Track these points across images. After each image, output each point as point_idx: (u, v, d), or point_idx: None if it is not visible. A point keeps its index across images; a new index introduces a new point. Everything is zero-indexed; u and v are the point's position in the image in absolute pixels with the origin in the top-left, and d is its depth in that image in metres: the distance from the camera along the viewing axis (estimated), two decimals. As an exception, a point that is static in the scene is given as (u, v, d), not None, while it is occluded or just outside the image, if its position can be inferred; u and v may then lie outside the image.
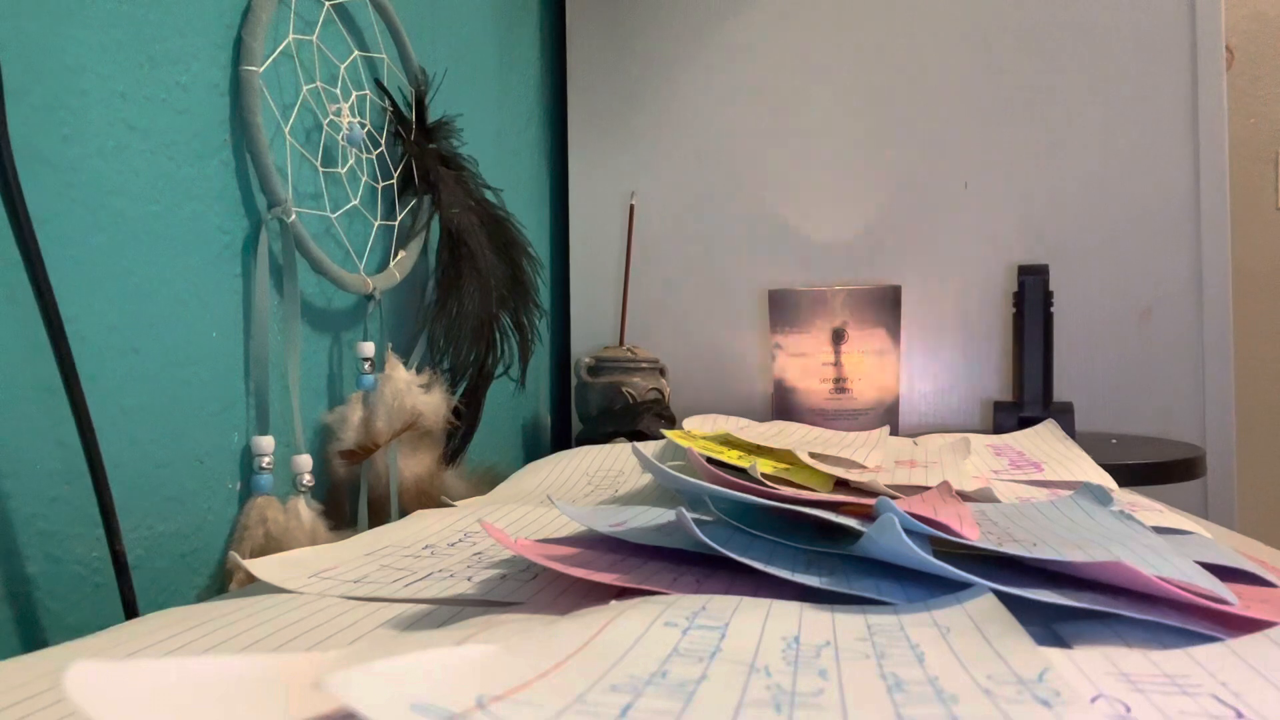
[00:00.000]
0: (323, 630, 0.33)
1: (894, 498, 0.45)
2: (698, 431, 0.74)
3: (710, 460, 0.60)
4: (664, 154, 1.16)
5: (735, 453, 0.63)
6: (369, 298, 0.70)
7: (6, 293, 0.42)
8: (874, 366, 1.02)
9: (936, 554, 0.36)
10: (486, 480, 0.77)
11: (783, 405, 1.04)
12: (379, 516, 0.69)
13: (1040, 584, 0.33)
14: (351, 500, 0.69)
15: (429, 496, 0.72)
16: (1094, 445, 0.88)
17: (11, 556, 0.43)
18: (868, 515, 0.42)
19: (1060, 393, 1.03)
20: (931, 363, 1.08)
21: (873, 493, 0.54)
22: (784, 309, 1.04)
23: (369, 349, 0.69)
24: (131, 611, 0.46)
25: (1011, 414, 1.01)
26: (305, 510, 0.59)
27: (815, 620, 0.30)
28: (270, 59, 0.60)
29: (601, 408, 1.02)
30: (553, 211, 1.21)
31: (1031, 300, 1.01)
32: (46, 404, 0.44)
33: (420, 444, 0.72)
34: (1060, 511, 0.46)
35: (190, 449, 0.54)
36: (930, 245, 1.08)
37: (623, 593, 0.35)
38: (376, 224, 0.73)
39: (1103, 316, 1.04)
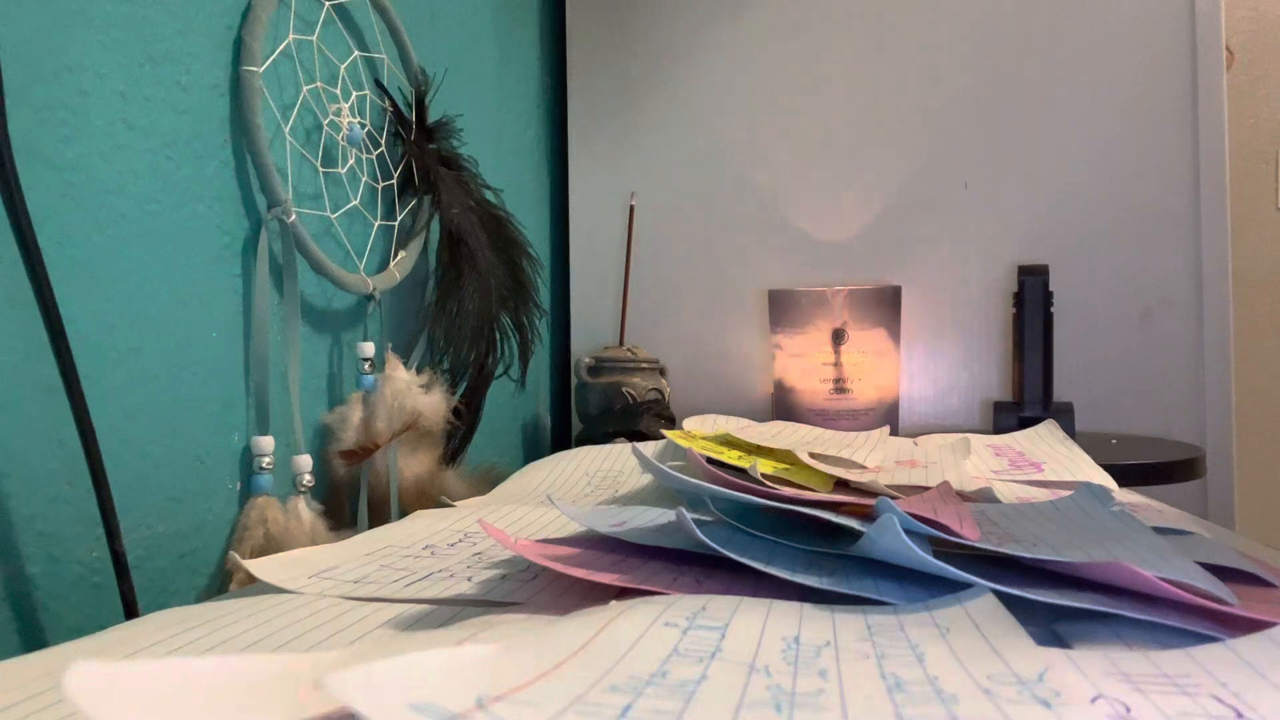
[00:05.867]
0: (323, 630, 0.33)
1: (894, 498, 0.45)
2: (698, 431, 0.74)
3: (710, 460, 0.60)
4: (664, 154, 1.16)
5: (735, 453, 0.63)
6: (369, 298, 0.70)
7: (6, 293, 0.42)
8: (874, 366, 1.02)
9: (936, 554, 0.36)
10: (486, 480, 0.77)
11: (783, 405, 1.04)
12: (379, 517, 0.69)
13: (1040, 584, 0.33)
14: (351, 500, 0.69)
15: (429, 496, 0.72)
16: (1094, 445, 0.88)
17: (11, 556, 0.43)
18: (868, 515, 0.42)
19: (1060, 393, 1.03)
20: (931, 363, 1.08)
21: (873, 493, 0.54)
22: (784, 309, 1.04)
23: (369, 349, 0.69)
24: (131, 611, 0.46)
25: (1011, 414, 1.01)
26: (305, 510, 0.59)
27: (815, 620, 0.30)
28: (270, 59, 0.60)
29: (601, 408, 1.02)
30: (553, 211, 1.21)
31: (1031, 300, 1.01)
32: (46, 404, 0.44)
33: (420, 444, 0.72)
34: (1060, 511, 0.46)
35: (190, 449, 0.54)
36: (930, 245, 1.08)
37: (623, 593, 0.35)
38: (376, 224, 0.73)
39: (1103, 316, 1.04)
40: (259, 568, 0.42)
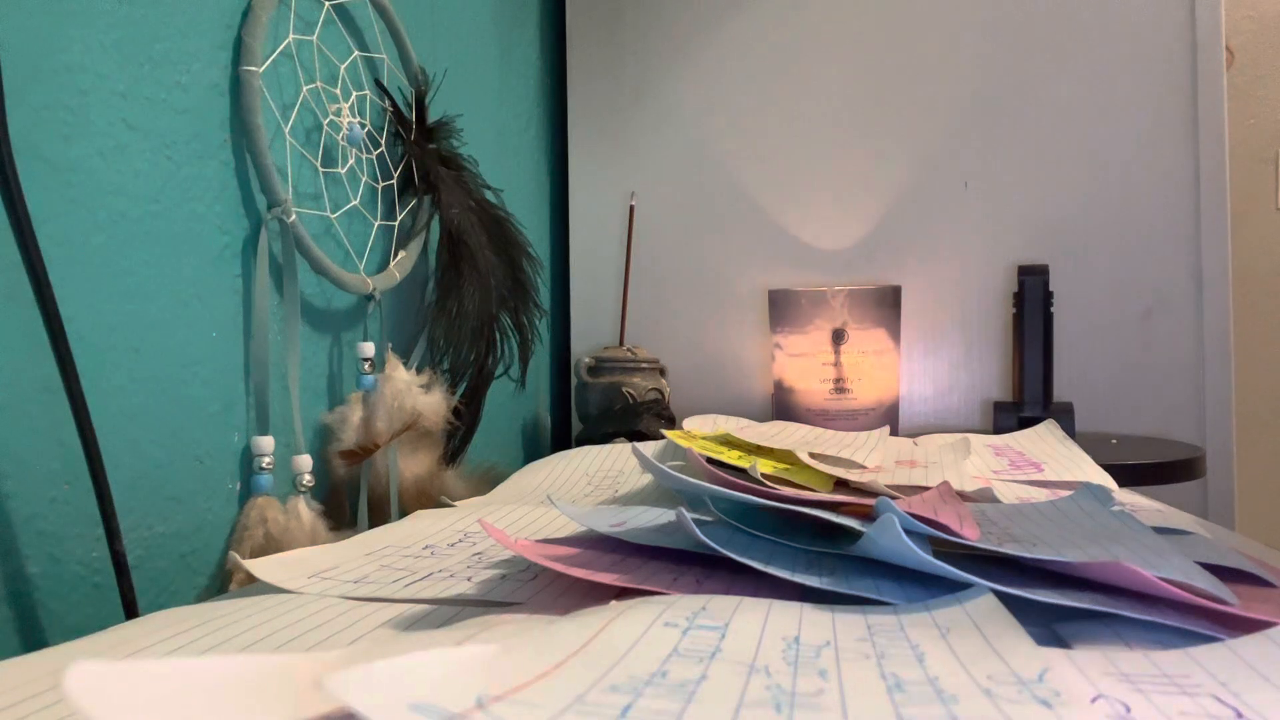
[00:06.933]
0: (323, 630, 0.33)
1: (894, 498, 0.45)
2: (698, 431, 0.74)
3: (710, 460, 0.60)
4: (664, 154, 1.16)
5: (735, 453, 0.63)
6: (369, 298, 0.70)
7: (6, 293, 0.42)
8: (874, 366, 1.02)
9: (936, 554, 0.36)
10: (486, 480, 0.77)
11: (783, 405, 1.04)
12: (379, 516, 0.69)
13: (1040, 584, 0.33)
14: (351, 500, 0.69)
15: (429, 496, 0.72)
16: (1094, 445, 0.88)
17: (11, 556, 0.43)
18: (868, 515, 0.42)
19: (1060, 393, 1.03)
20: (931, 363, 1.08)
21: (873, 493, 0.54)
22: (784, 309, 1.04)
23: (369, 349, 0.69)
24: (131, 611, 0.46)
25: (1011, 414, 1.01)
26: (305, 510, 0.59)
27: (815, 620, 0.30)
28: (270, 59, 0.60)
29: (601, 408, 1.02)
30: (553, 211, 1.21)
31: (1031, 300, 1.01)
32: (46, 404, 0.44)
33: (420, 444, 0.72)
34: (1060, 511, 0.46)
35: (190, 449, 0.54)
36: (930, 245, 1.08)
37: (623, 593, 0.35)
38: (376, 224, 0.73)
39: (1103, 316, 1.04)
40: (259, 568, 0.42)
